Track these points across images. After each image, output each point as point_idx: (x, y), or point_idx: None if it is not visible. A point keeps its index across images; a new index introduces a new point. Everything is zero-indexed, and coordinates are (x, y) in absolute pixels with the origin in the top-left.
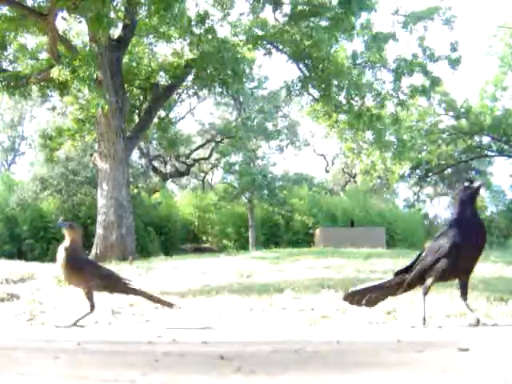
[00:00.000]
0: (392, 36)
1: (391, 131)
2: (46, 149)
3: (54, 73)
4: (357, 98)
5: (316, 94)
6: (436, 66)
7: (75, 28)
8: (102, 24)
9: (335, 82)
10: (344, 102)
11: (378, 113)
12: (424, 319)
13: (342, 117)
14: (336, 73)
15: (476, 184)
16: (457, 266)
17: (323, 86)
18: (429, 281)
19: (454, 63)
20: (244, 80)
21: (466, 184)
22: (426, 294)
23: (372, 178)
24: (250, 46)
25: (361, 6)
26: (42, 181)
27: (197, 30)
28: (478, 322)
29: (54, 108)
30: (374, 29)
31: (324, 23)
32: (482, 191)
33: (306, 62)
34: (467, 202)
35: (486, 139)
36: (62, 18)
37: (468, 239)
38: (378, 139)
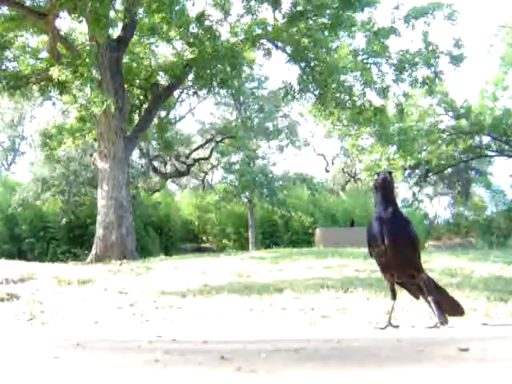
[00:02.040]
0: (394, 31)
1: (394, 125)
2: (46, 147)
3: (54, 72)
4: (358, 93)
5: (315, 93)
6: (439, 61)
7: (77, 28)
8: (101, 24)
9: (333, 84)
10: (346, 98)
11: (380, 106)
12: (389, 322)
13: (344, 115)
14: (332, 72)
15: (380, 176)
16: (381, 263)
17: (321, 86)
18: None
19: (457, 60)
20: (243, 78)
21: (375, 177)
22: (392, 297)
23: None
24: (250, 44)
25: (361, 3)
26: (44, 182)
27: (196, 30)
28: (436, 325)
29: (53, 104)
30: (376, 24)
31: (324, 20)
32: (482, 191)
33: (306, 62)
34: (378, 195)
35: (485, 139)
36: (60, 17)
37: (373, 236)
38: (382, 133)
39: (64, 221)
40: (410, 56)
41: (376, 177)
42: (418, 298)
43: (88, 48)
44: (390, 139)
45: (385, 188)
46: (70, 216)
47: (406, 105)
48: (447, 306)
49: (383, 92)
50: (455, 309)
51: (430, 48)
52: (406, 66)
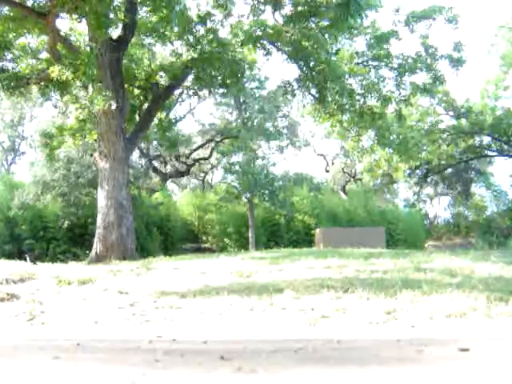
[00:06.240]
0: (394, 34)
1: (394, 128)
2: (47, 148)
3: (54, 72)
4: (358, 97)
5: (314, 93)
6: (439, 65)
7: (77, 28)
8: (101, 24)
9: (332, 87)
10: (346, 101)
11: (380, 111)
12: None
13: (345, 117)
14: (332, 77)
15: None
16: None
17: (318, 88)
18: None
19: (457, 63)
20: (244, 81)
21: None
22: None
23: (376, 174)
24: (250, 46)
25: (360, 8)
26: (44, 184)
27: (197, 31)
28: None
29: (55, 106)
30: (378, 29)
31: (324, 23)
32: (482, 191)
33: (304, 62)
34: None
35: (486, 139)
36: (61, 17)
37: None
38: (381, 137)
39: (65, 223)
40: (412, 60)
41: None
42: None
43: (88, 48)
44: (389, 143)
45: None
46: (71, 218)
47: (405, 109)
48: None
49: (384, 101)
50: None
51: (430, 51)
52: (407, 70)
